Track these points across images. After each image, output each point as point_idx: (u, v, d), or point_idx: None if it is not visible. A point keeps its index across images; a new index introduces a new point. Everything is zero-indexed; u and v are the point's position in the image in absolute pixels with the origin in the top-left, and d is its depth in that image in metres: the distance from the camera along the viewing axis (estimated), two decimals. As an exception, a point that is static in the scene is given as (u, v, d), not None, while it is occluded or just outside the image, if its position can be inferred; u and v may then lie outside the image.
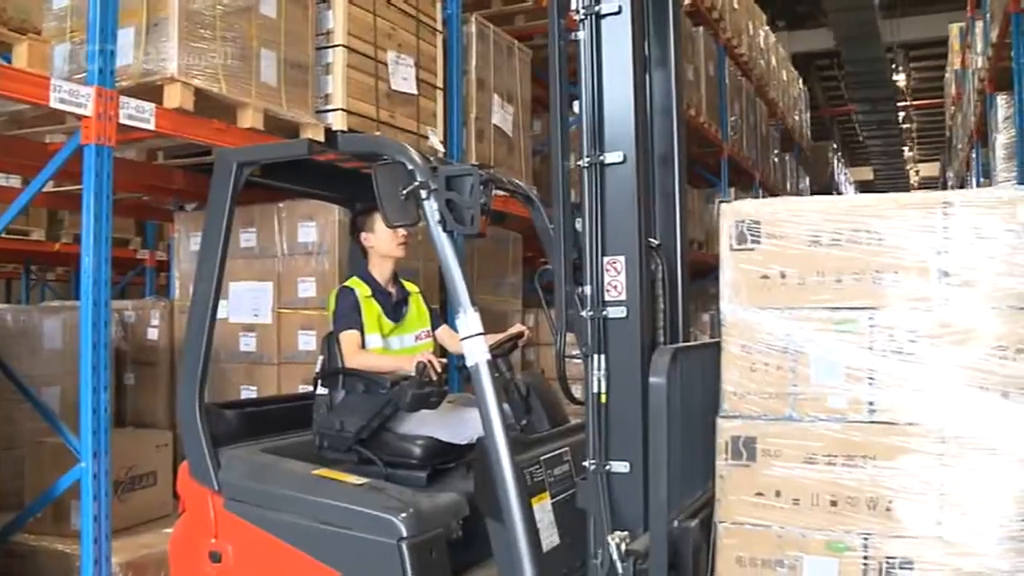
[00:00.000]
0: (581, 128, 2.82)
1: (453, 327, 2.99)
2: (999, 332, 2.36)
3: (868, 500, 2.41)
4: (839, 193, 21.57)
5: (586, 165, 2.78)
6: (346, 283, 3.79)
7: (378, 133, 5.15)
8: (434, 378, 3.28)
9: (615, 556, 2.58)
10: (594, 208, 2.77)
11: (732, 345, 2.58)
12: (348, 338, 3.62)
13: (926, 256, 2.42)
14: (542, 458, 3.10)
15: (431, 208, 2.96)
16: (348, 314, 3.67)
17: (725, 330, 2.60)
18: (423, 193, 2.96)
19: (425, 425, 3.44)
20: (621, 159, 2.77)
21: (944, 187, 19.65)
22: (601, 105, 2.81)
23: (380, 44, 5.33)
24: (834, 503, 2.43)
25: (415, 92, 5.63)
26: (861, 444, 2.43)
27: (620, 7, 2.83)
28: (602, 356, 2.74)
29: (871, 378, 2.44)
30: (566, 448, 3.25)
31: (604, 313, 2.75)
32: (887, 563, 2.37)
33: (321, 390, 3.65)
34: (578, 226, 2.83)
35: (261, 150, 3.74)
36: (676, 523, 2.57)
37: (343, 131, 4.90)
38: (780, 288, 2.51)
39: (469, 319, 2.92)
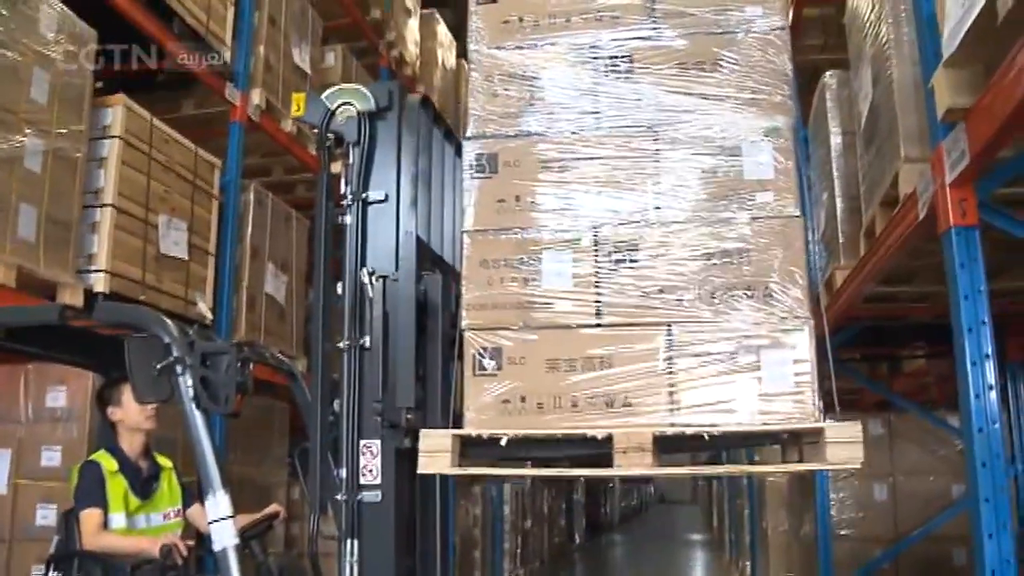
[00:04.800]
0: (343, 309, 2.85)
1: (207, 505, 2.87)
2: (686, 46, 2.81)
3: (596, 192, 2.74)
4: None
5: (345, 347, 2.81)
6: (92, 456, 3.58)
7: (143, 297, 4.98)
8: (179, 562, 3.11)
9: (365, 280, 2.88)
10: (352, 390, 2.78)
11: (476, 77, 2.94)
12: (88, 517, 3.39)
13: None
14: (291, 647, 2.97)
15: (185, 384, 2.88)
16: (91, 490, 3.44)
17: (471, 68, 2.96)
18: (178, 368, 2.88)
19: (169, 613, 3.22)
20: (380, 343, 2.81)
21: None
22: (363, 288, 2.87)
23: (152, 206, 5.23)
24: (567, 200, 2.75)
25: (186, 257, 5.52)
26: (590, 148, 2.78)
27: (387, 195, 2.94)
28: (355, 541, 2.70)
29: (595, 112, 2.81)
30: (318, 635, 3.12)
31: (359, 497, 2.73)
32: (615, 248, 2.68)
33: (54, 574, 3.36)
34: (336, 407, 2.82)
35: (5, 313, 3.53)
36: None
37: (104, 293, 4.71)
38: (518, 29, 2.95)
39: (219, 501, 2.81)
